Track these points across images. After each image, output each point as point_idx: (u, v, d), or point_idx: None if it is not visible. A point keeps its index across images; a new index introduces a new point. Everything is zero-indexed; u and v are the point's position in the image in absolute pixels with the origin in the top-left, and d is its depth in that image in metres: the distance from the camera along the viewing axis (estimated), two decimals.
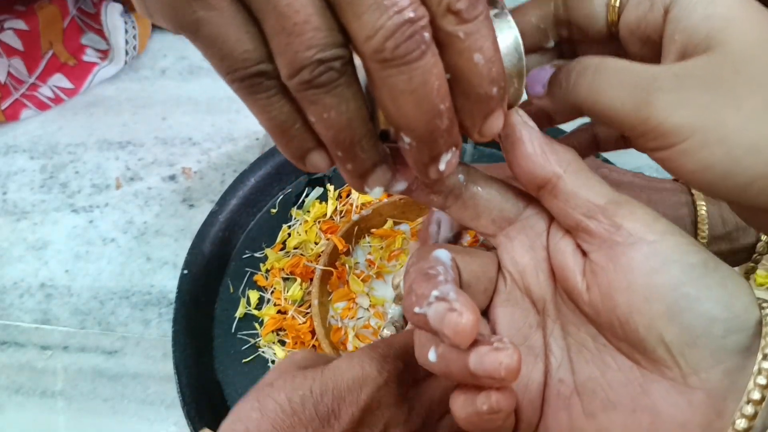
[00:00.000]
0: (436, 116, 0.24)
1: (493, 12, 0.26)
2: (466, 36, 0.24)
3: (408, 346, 0.33)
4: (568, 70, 0.29)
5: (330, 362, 0.33)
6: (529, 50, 0.31)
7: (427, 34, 0.23)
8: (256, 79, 0.25)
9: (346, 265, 0.52)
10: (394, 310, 0.49)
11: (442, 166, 0.26)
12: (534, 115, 0.30)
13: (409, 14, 0.22)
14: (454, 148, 0.26)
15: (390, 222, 0.55)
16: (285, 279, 0.53)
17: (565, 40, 0.33)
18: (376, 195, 0.28)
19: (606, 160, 0.58)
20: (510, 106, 0.27)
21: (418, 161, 0.26)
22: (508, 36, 0.26)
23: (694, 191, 0.45)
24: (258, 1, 0.23)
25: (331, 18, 0.23)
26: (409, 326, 0.48)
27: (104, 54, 0.69)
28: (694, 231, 0.43)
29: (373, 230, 0.55)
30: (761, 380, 0.23)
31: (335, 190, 0.58)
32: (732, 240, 0.44)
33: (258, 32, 0.24)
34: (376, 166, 0.27)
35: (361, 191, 0.28)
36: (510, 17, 0.27)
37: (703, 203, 0.44)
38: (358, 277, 0.52)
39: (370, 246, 0.54)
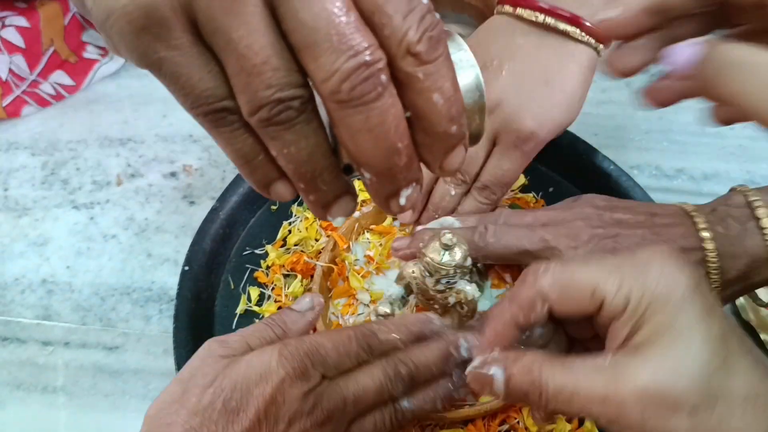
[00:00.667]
0: (394, 153, 0.25)
1: (455, 47, 0.27)
2: (426, 77, 0.24)
3: (319, 346, 0.36)
4: (708, 60, 0.30)
5: (245, 351, 0.37)
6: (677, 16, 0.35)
7: (384, 77, 0.24)
8: (219, 114, 0.26)
9: (346, 262, 0.53)
10: (394, 289, 0.49)
11: (402, 201, 0.27)
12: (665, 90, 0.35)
13: (365, 58, 0.23)
14: (414, 184, 0.27)
15: (389, 219, 0.55)
16: (285, 276, 0.54)
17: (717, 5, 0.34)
18: (338, 224, 0.30)
19: (606, 158, 0.58)
20: (472, 142, 0.28)
21: (379, 195, 0.27)
22: (469, 74, 0.27)
23: (696, 220, 0.44)
24: (219, 43, 0.24)
25: (290, 59, 0.24)
26: (404, 309, 0.49)
27: (105, 51, 0.69)
28: (704, 260, 0.43)
29: (372, 226, 0.55)
30: None
31: None
32: (746, 278, 0.43)
33: (220, 70, 0.25)
34: (338, 197, 0.28)
35: (324, 219, 0.29)
36: (470, 54, 0.27)
37: (709, 238, 0.43)
38: (358, 273, 0.52)
39: (369, 242, 0.55)
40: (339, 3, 0.23)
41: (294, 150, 0.26)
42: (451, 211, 0.51)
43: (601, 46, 0.49)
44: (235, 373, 0.35)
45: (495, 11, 0.51)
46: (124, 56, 0.26)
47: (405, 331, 0.40)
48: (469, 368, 0.34)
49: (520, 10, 0.49)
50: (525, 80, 0.49)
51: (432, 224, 0.51)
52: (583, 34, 0.48)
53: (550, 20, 0.48)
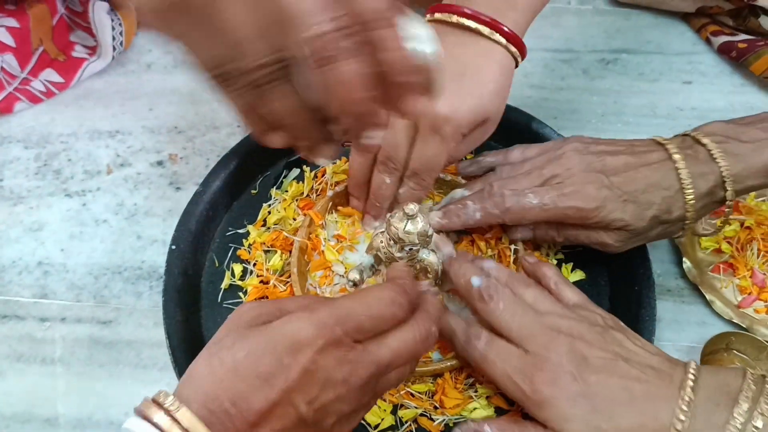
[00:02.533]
0: (359, 102, 0.33)
1: (412, 23, 0.35)
2: (383, 40, 0.32)
3: (351, 311, 0.36)
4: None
5: (277, 316, 0.36)
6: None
7: (345, 42, 0.31)
8: (222, 77, 0.35)
9: (321, 237, 0.57)
10: (364, 257, 0.53)
11: (372, 139, 0.36)
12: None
13: (329, 26, 0.31)
14: (380, 126, 0.36)
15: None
16: (266, 252, 0.58)
17: None
18: (323, 164, 0.40)
19: (560, 135, 0.62)
20: (428, 92, 0.36)
21: (354, 135, 0.36)
22: (423, 39, 0.35)
23: (668, 149, 0.51)
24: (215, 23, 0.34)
25: (267, 35, 0.33)
26: (375, 278, 0.54)
27: (92, 50, 0.73)
28: (680, 184, 0.50)
29: (339, 208, 0.59)
30: None
31: (311, 171, 0.63)
32: (712, 194, 0.50)
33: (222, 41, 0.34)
34: (320, 144, 0.38)
35: (313, 162, 0.40)
36: (426, 28, 0.35)
37: (682, 161, 0.50)
38: (333, 248, 0.56)
39: (337, 223, 0.58)
40: None
41: (278, 106, 0.35)
42: (390, 198, 0.55)
43: (518, 53, 0.52)
44: (266, 338, 0.34)
45: None
46: (153, 26, 0.36)
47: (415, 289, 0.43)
48: None
49: (438, 15, 0.52)
50: (470, 82, 0.51)
51: (444, 200, 0.57)
52: (500, 36, 0.51)
53: (464, 21, 0.51)
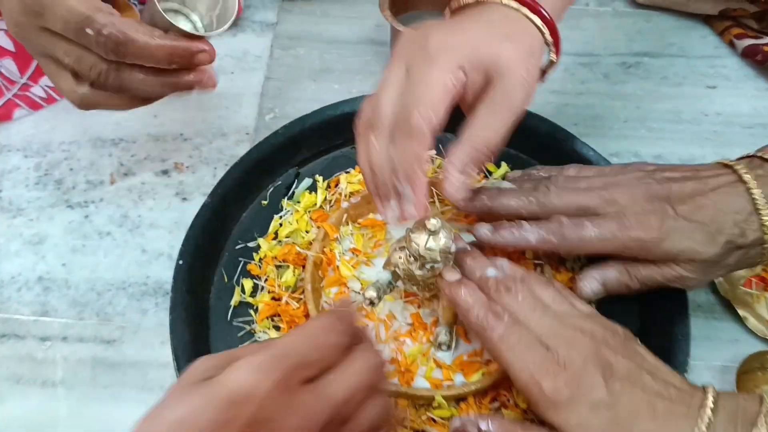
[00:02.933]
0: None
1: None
2: None
3: (290, 348, 0.34)
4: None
5: (224, 368, 0.33)
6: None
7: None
8: None
9: (336, 252, 0.54)
10: (381, 274, 0.51)
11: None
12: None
13: None
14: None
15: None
16: (278, 267, 0.55)
17: None
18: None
19: (585, 144, 0.60)
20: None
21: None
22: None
23: (737, 170, 0.47)
24: None
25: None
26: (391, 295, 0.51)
27: None
28: (753, 206, 0.46)
29: (359, 221, 0.57)
30: None
31: (324, 180, 0.60)
32: None
33: None
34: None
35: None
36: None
37: (753, 181, 0.47)
38: (348, 263, 0.54)
39: (353, 235, 0.56)
40: None
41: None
42: (387, 166, 0.46)
43: (551, 40, 0.48)
44: (210, 393, 0.32)
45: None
46: None
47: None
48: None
49: None
50: (485, 27, 0.47)
51: (485, 183, 0.54)
52: (538, 19, 0.47)
53: None
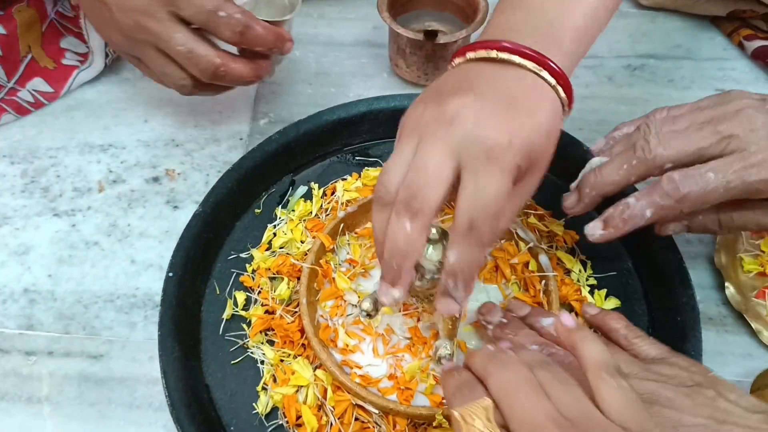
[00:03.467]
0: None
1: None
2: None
3: None
4: None
5: None
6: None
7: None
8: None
9: (332, 263, 0.52)
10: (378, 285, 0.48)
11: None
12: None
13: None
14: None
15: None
16: (272, 279, 0.53)
17: None
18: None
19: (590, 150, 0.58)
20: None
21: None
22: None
23: None
24: None
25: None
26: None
27: (84, 57, 0.69)
28: None
29: (356, 231, 0.55)
30: None
31: (319, 188, 0.58)
32: None
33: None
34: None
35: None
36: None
37: None
38: (345, 275, 0.52)
39: (350, 245, 0.54)
40: None
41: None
42: (413, 256, 0.40)
43: (566, 99, 0.43)
44: None
45: (450, 67, 0.46)
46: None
47: None
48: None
49: (477, 53, 0.43)
50: (486, 97, 0.40)
51: (581, 174, 0.49)
52: (548, 74, 0.41)
53: (506, 56, 0.42)
